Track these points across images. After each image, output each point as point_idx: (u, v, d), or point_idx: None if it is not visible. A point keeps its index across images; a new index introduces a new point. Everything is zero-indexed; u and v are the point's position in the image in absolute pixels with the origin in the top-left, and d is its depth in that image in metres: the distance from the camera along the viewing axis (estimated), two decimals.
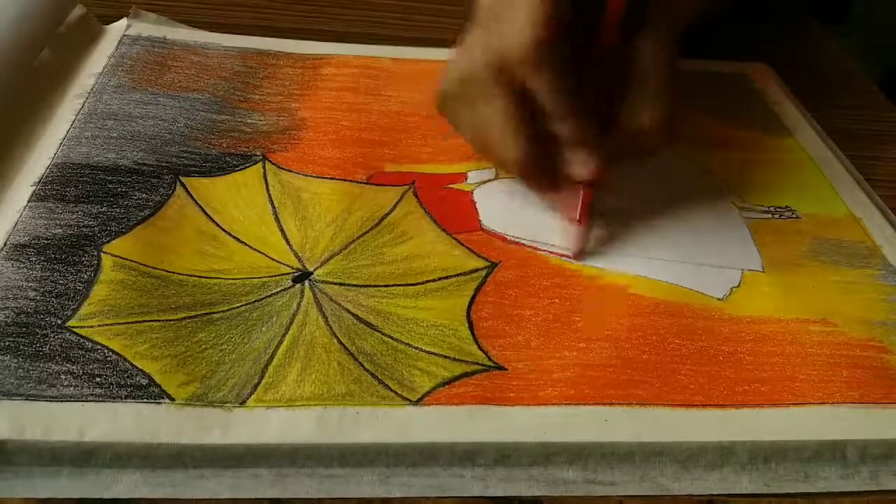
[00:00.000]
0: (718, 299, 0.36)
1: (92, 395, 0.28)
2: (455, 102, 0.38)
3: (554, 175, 0.37)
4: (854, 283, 0.37)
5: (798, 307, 0.36)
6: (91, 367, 0.29)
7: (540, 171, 0.37)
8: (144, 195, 0.37)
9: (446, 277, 0.35)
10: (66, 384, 0.28)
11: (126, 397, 0.28)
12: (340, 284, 0.34)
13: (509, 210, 0.39)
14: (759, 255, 0.38)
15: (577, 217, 0.37)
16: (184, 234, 0.35)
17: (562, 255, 0.37)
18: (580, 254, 0.37)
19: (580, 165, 0.36)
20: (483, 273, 0.35)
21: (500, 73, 0.35)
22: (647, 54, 0.36)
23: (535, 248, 0.37)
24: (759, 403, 0.31)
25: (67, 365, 0.29)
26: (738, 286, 0.36)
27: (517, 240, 0.38)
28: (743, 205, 0.41)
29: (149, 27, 0.48)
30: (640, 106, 0.36)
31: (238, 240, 0.36)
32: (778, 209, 0.41)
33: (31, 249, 0.33)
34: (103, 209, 0.35)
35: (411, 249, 0.36)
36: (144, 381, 0.29)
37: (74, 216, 0.35)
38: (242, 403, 0.29)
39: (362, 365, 0.31)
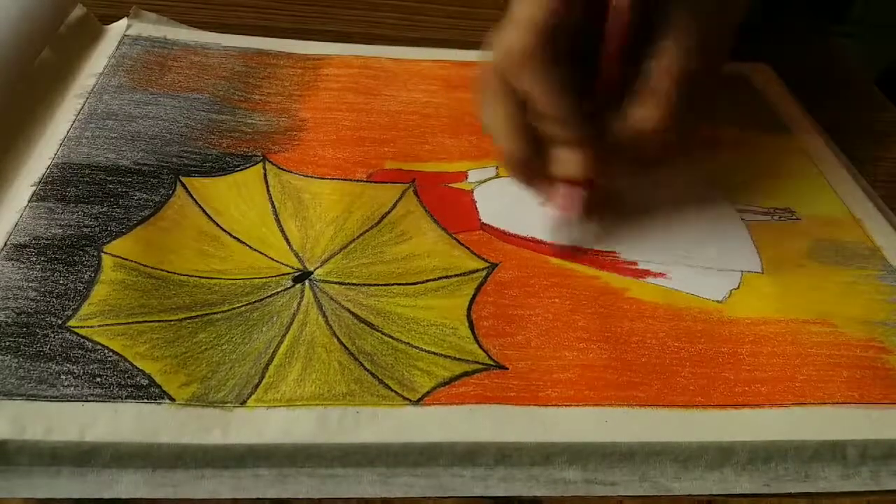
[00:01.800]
0: (718, 302, 0.36)
1: (92, 395, 0.28)
2: (479, 95, 0.39)
3: (543, 173, 0.37)
4: (854, 283, 0.37)
5: (798, 308, 0.36)
6: (91, 367, 0.29)
7: (527, 167, 0.37)
8: (145, 195, 0.37)
9: (446, 277, 0.35)
10: (66, 384, 0.28)
11: (126, 397, 0.28)
12: (341, 284, 0.34)
13: (510, 208, 0.39)
14: (758, 256, 0.38)
15: (564, 211, 0.37)
16: (184, 234, 0.35)
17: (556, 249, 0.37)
18: (565, 246, 0.37)
19: (563, 164, 0.36)
20: (483, 274, 0.35)
21: (500, 71, 0.36)
22: (658, 54, 0.35)
23: (535, 242, 0.38)
24: (758, 404, 0.31)
25: (68, 365, 0.29)
26: (738, 288, 0.36)
27: (517, 234, 0.38)
28: (742, 206, 0.41)
29: (149, 27, 0.48)
30: (635, 106, 0.35)
31: (238, 240, 0.36)
32: (777, 210, 0.41)
33: (32, 249, 0.33)
34: (103, 209, 0.35)
35: (411, 249, 0.36)
36: (145, 382, 0.29)
37: (74, 216, 0.35)
38: (243, 403, 0.29)
39: (362, 365, 0.31)
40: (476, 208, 0.39)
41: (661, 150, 0.37)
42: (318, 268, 0.35)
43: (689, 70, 0.35)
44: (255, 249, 0.35)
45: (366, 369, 0.31)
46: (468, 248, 0.37)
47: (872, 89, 0.55)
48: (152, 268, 0.33)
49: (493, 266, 0.36)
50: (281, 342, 0.31)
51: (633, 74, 0.36)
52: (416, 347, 0.32)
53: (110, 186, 0.37)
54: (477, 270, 0.36)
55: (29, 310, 0.31)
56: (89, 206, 0.35)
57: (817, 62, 0.58)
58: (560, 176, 0.37)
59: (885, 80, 0.62)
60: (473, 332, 0.33)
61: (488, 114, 0.37)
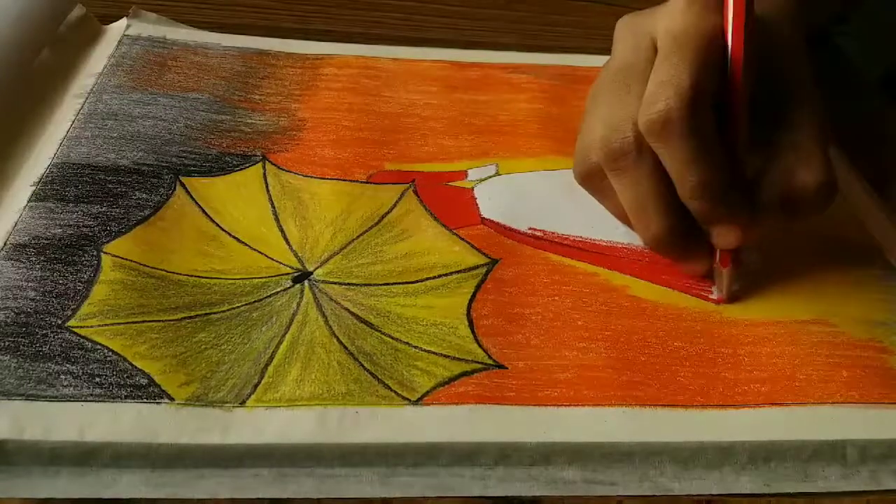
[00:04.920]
0: (717, 302, 0.36)
1: (92, 395, 0.28)
2: (594, 177, 0.36)
3: (700, 246, 0.35)
4: (854, 283, 0.37)
5: (797, 308, 0.35)
6: (91, 367, 0.29)
7: (682, 244, 0.35)
8: (144, 195, 0.37)
9: (446, 274, 0.35)
10: (65, 384, 0.28)
11: (126, 397, 0.28)
12: (340, 284, 0.34)
13: (510, 204, 0.39)
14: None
15: (722, 262, 0.35)
16: (183, 234, 0.35)
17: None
18: (729, 298, 0.36)
19: (722, 238, 0.34)
20: (483, 270, 0.35)
21: (634, 145, 0.33)
22: (797, 115, 0.34)
23: (535, 238, 0.37)
24: (758, 403, 0.31)
25: (67, 365, 0.29)
26: (737, 288, 0.36)
27: (518, 230, 0.38)
28: None
29: (149, 27, 0.48)
30: (793, 165, 0.34)
31: (238, 240, 0.36)
32: None
33: (31, 249, 0.33)
34: (103, 209, 0.35)
35: (411, 247, 0.36)
36: (144, 382, 0.29)
37: (74, 216, 0.35)
38: (242, 403, 0.29)
39: (362, 365, 0.31)
40: (476, 205, 0.39)
41: (818, 209, 0.34)
42: (317, 268, 0.35)
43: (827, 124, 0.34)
44: (254, 249, 0.35)
45: (365, 369, 0.31)
46: (469, 243, 0.37)
47: (873, 89, 0.55)
48: (152, 268, 0.33)
49: (494, 262, 0.36)
50: (280, 342, 0.31)
51: (764, 146, 0.34)
52: (416, 347, 0.32)
53: (110, 186, 0.37)
54: (477, 267, 0.36)
55: (28, 310, 0.31)
56: (89, 206, 0.35)
57: (817, 62, 0.57)
58: (720, 247, 0.35)
59: (885, 80, 0.62)
60: (473, 331, 0.33)
61: (629, 194, 0.34)
